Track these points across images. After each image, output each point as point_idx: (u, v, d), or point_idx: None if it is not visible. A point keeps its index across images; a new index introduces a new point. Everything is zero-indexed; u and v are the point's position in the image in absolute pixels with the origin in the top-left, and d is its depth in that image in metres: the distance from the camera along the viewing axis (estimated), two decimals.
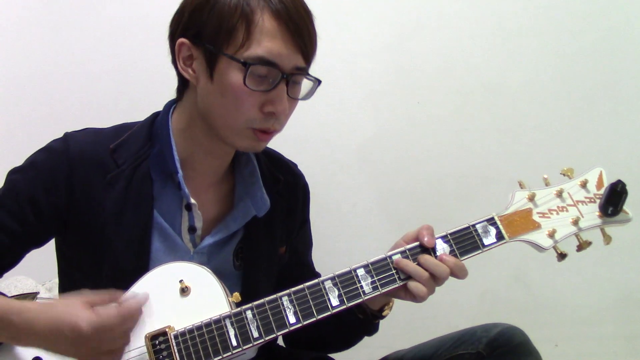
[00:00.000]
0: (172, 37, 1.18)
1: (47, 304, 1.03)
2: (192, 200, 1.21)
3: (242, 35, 1.09)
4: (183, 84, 1.22)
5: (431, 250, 1.16)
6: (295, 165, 1.44)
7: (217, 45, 1.11)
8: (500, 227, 1.16)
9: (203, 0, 1.12)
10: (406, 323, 1.81)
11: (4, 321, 1.00)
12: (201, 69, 1.14)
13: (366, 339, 1.36)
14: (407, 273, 1.14)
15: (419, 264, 1.14)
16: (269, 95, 1.12)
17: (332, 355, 1.42)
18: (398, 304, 1.28)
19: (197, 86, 1.16)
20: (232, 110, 1.13)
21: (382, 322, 1.31)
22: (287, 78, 1.12)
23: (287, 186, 1.36)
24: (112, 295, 1.06)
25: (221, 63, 1.11)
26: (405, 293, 1.16)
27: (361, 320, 1.27)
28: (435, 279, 1.14)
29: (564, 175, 1.20)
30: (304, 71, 1.16)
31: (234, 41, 1.10)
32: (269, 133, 1.17)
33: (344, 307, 1.12)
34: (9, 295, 1.15)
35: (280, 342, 1.41)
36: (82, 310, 1.00)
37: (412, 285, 1.13)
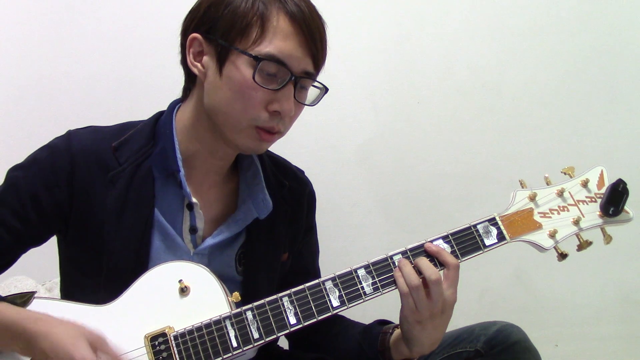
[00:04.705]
0: (184, 34, 1.19)
1: (58, 321, 1.04)
2: (194, 200, 1.21)
3: (255, 32, 1.10)
4: (190, 82, 1.22)
5: (435, 258, 1.14)
6: (302, 172, 1.44)
7: (229, 40, 1.12)
8: (502, 227, 1.16)
9: None
10: None
11: (18, 329, 1.02)
12: (211, 63, 1.15)
13: None
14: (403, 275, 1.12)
15: (414, 265, 1.13)
16: (276, 95, 1.13)
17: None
18: (396, 302, 1.28)
19: (204, 82, 1.17)
20: (238, 106, 1.13)
21: None
22: (295, 80, 1.13)
23: (292, 192, 1.35)
24: (118, 353, 1.05)
25: (232, 58, 1.12)
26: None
27: None
28: (428, 291, 1.11)
29: (564, 174, 1.20)
30: (312, 77, 1.18)
31: (247, 37, 1.11)
32: (272, 134, 1.17)
33: (345, 307, 1.12)
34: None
35: (281, 342, 1.41)
36: (84, 345, 1.00)
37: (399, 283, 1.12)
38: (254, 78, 1.10)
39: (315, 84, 1.20)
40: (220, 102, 1.15)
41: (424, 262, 1.12)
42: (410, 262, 1.13)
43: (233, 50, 1.11)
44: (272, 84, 1.12)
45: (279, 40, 1.10)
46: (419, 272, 1.11)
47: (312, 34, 1.13)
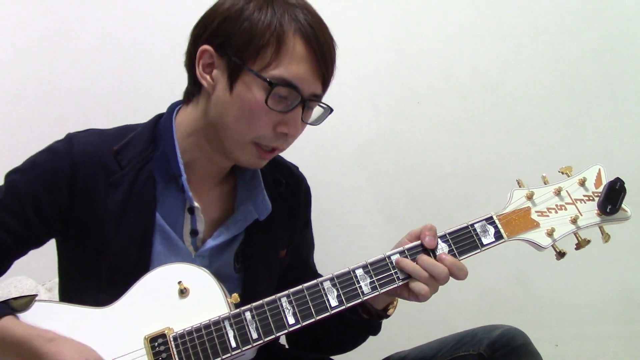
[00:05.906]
0: (195, 42, 1.18)
1: (68, 342, 1.05)
2: (196, 204, 1.21)
3: (270, 54, 1.10)
4: (195, 88, 1.22)
5: (430, 251, 1.15)
6: (297, 168, 1.44)
7: (243, 59, 1.11)
8: (499, 226, 1.16)
9: (236, 12, 1.12)
10: (406, 324, 1.81)
11: (27, 347, 1.03)
12: (221, 78, 1.14)
13: (367, 340, 1.36)
14: (407, 273, 1.14)
15: (417, 264, 1.14)
16: (284, 117, 1.14)
17: (334, 357, 1.42)
18: (397, 304, 1.28)
19: (212, 94, 1.16)
20: (245, 125, 1.13)
21: (382, 324, 1.31)
22: (304, 102, 1.14)
23: (289, 189, 1.36)
24: None
25: (244, 77, 1.12)
26: (408, 293, 1.16)
27: (366, 320, 1.27)
28: (435, 279, 1.14)
29: (562, 173, 1.20)
30: (319, 98, 1.18)
31: (261, 58, 1.10)
32: (272, 152, 1.18)
33: (343, 307, 1.12)
34: (9, 296, 1.15)
35: (283, 342, 1.41)
36: None
37: (414, 285, 1.13)
38: (266, 102, 1.10)
39: (321, 103, 1.20)
40: (228, 119, 1.15)
41: (424, 260, 1.14)
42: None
43: (246, 70, 1.11)
44: (281, 105, 1.12)
45: (294, 64, 1.10)
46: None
47: (324, 57, 1.13)
